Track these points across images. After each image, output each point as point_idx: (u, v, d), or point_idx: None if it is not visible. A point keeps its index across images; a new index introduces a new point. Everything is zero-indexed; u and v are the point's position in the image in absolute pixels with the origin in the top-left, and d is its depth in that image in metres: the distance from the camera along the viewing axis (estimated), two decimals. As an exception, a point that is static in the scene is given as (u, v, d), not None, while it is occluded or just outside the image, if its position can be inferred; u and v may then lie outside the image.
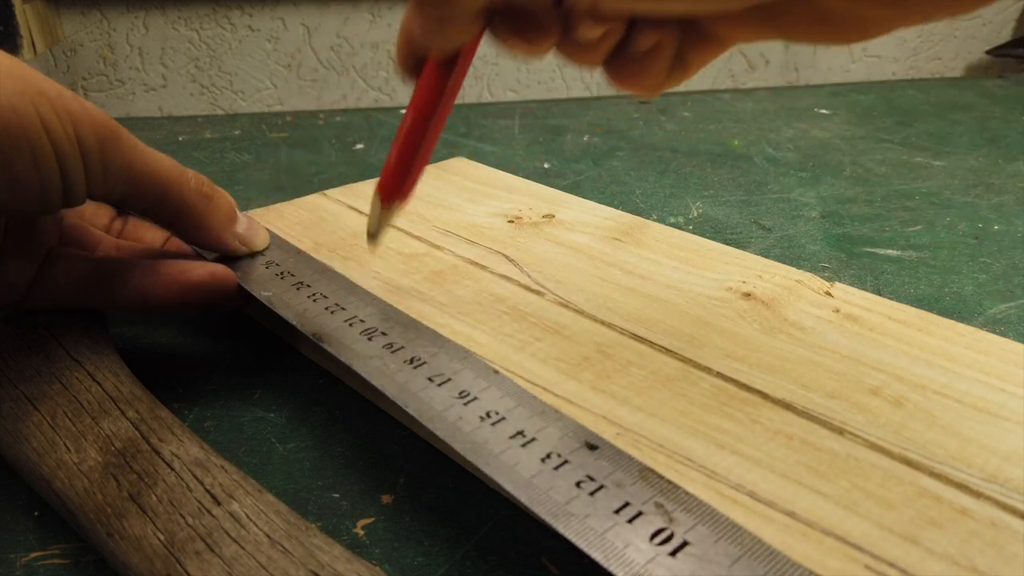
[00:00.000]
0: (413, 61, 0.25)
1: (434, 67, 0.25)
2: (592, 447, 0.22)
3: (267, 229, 0.35)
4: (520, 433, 0.23)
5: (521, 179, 0.44)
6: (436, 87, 0.25)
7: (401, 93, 0.99)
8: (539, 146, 0.67)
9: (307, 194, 0.43)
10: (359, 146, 0.67)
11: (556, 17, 0.21)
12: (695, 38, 0.22)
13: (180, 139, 0.69)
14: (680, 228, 0.48)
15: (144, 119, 0.77)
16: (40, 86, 0.25)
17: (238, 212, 0.33)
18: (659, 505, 0.20)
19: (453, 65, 0.25)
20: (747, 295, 0.31)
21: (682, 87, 1.14)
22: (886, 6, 0.19)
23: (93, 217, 0.36)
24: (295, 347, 0.38)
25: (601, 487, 0.21)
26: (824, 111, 0.77)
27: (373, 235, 0.31)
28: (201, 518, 0.23)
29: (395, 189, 0.28)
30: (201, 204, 0.30)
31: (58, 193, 0.26)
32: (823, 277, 0.33)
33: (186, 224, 0.31)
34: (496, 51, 0.99)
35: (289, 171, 0.62)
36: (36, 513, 0.28)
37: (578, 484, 0.21)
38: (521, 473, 0.21)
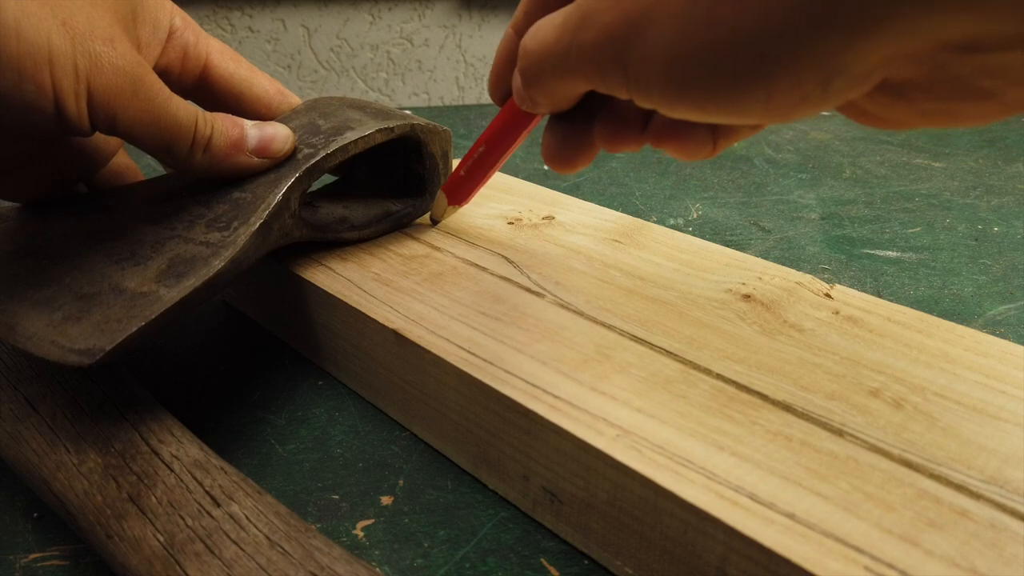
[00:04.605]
0: (501, 93, 0.28)
1: (516, 108, 0.28)
2: None
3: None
4: None
5: (521, 181, 0.45)
6: (511, 123, 0.29)
7: (400, 93, 0.99)
8: (539, 147, 0.67)
9: (307, 195, 0.43)
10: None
11: (640, 122, 0.24)
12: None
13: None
14: (680, 230, 0.48)
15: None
16: (68, 17, 0.25)
17: (247, 129, 0.31)
18: None
19: (533, 116, 0.28)
20: (747, 297, 0.31)
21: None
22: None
23: None
24: (294, 347, 0.38)
25: None
26: (823, 112, 0.77)
27: (436, 222, 0.38)
28: (201, 519, 0.23)
29: (456, 195, 0.34)
30: (197, 158, 0.30)
31: (52, 122, 0.25)
32: (823, 279, 0.33)
33: (185, 171, 0.30)
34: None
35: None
36: (35, 514, 0.28)
37: None
38: None
